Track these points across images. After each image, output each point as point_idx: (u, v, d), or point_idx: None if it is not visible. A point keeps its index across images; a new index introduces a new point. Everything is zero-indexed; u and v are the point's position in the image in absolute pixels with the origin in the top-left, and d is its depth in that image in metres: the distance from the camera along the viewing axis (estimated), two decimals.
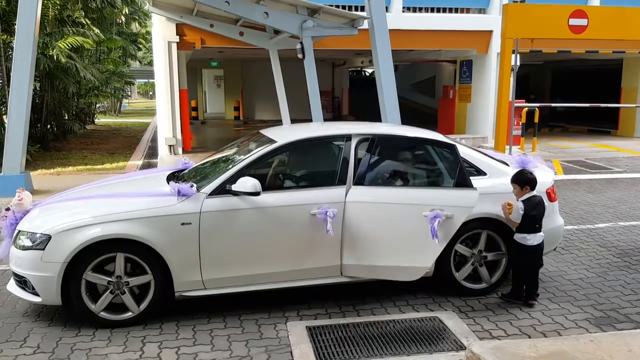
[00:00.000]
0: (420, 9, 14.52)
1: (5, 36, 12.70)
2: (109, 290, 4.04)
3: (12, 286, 4.28)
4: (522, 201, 4.38)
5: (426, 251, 4.22)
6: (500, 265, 4.69)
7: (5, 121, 9.89)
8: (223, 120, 24.91)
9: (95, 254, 3.96)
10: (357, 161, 4.45)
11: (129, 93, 50.06)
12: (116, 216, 4.03)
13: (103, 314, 4.07)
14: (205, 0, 9.94)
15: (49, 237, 3.95)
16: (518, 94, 12.84)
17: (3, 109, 12.49)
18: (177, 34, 12.90)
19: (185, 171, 5.07)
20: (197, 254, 4.10)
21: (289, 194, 4.39)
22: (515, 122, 12.93)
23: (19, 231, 4.20)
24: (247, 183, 4.08)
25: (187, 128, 14.13)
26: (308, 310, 4.37)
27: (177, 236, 4.05)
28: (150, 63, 31.71)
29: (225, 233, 4.16)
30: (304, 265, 4.33)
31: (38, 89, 14.93)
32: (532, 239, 4.38)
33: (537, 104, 14.06)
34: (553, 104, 17.25)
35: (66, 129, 17.83)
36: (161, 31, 12.90)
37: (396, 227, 4.23)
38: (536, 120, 13.45)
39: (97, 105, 28.23)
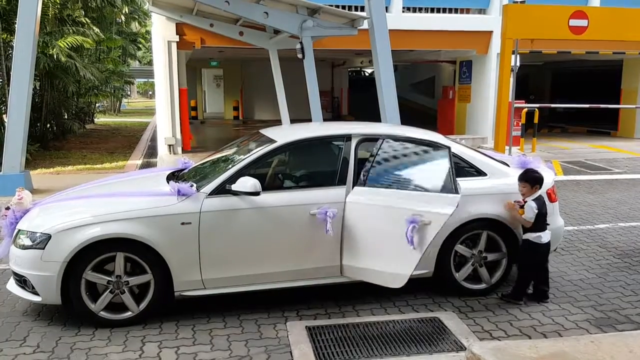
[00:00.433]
0: (420, 9, 14.54)
1: (5, 35, 12.69)
2: (108, 290, 4.04)
3: (11, 285, 4.28)
4: (534, 200, 4.38)
5: (405, 258, 3.98)
6: (500, 265, 4.68)
7: (5, 120, 9.89)
8: (222, 120, 24.90)
9: (95, 253, 3.96)
10: (357, 161, 4.44)
11: (129, 92, 50.11)
12: (116, 216, 4.03)
13: (103, 314, 4.06)
14: None
15: (49, 237, 3.95)
16: (518, 95, 12.84)
17: (3, 108, 12.47)
18: (176, 34, 12.91)
19: (185, 171, 5.07)
20: (196, 253, 4.10)
21: (289, 194, 4.38)
22: (515, 123, 12.93)
23: (19, 230, 4.20)
24: (247, 183, 4.08)
25: (187, 128, 14.12)
26: (307, 310, 4.37)
27: (177, 236, 4.05)
28: (150, 62, 31.73)
29: (225, 233, 4.16)
30: (304, 265, 4.33)
31: (38, 88, 14.93)
32: (545, 237, 4.41)
33: (537, 105, 14.06)
34: (553, 105, 17.21)
35: (66, 128, 17.82)
36: (161, 31, 12.90)
37: (385, 231, 4.08)
38: (536, 120, 13.45)
39: (97, 105, 28.24)
